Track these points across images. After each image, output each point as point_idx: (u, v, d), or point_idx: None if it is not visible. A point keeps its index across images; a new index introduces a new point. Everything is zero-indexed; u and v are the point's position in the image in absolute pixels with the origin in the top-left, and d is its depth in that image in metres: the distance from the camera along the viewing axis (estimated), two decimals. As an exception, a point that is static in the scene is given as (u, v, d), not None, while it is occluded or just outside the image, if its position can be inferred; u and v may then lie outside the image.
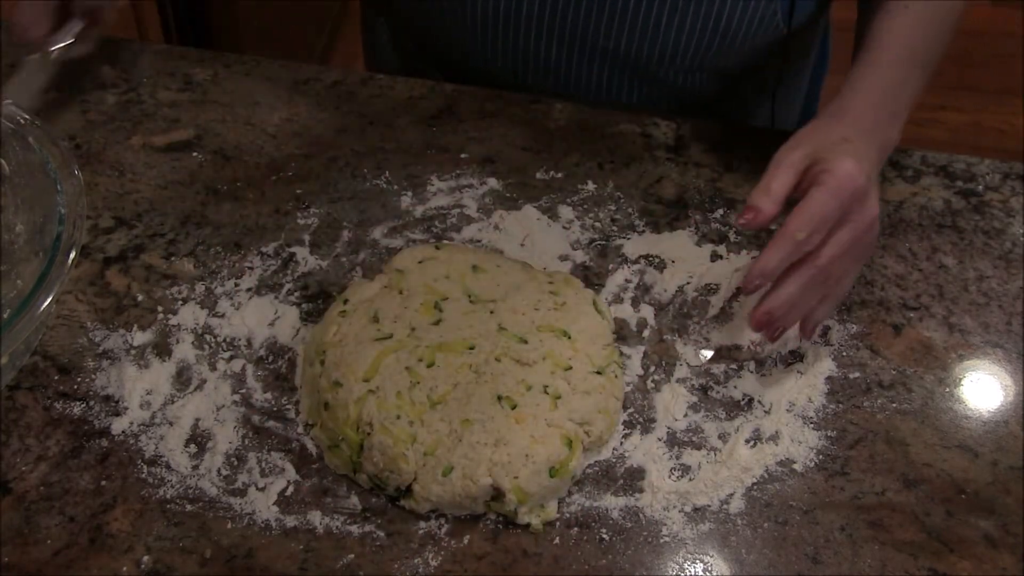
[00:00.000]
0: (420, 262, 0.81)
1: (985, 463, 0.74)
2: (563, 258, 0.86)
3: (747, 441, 0.74)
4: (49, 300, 0.68)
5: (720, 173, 0.92)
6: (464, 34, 0.98)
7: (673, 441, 0.75)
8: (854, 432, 0.75)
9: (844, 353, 0.80)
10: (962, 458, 0.74)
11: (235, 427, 0.75)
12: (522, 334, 0.75)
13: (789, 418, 0.76)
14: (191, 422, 0.75)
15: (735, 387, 0.78)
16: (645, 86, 1.01)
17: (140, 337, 0.80)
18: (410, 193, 0.90)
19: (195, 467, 0.73)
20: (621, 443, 0.75)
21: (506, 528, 0.70)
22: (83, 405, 0.76)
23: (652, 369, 0.79)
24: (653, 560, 0.69)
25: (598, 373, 0.75)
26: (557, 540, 0.70)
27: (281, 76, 1.01)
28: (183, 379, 0.78)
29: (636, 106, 1.01)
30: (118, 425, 0.75)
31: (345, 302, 0.79)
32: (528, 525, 0.70)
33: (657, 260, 0.86)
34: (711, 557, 0.69)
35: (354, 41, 1.27)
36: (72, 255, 0.70)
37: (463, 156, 0.93)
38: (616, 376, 0.76)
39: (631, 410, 0.77)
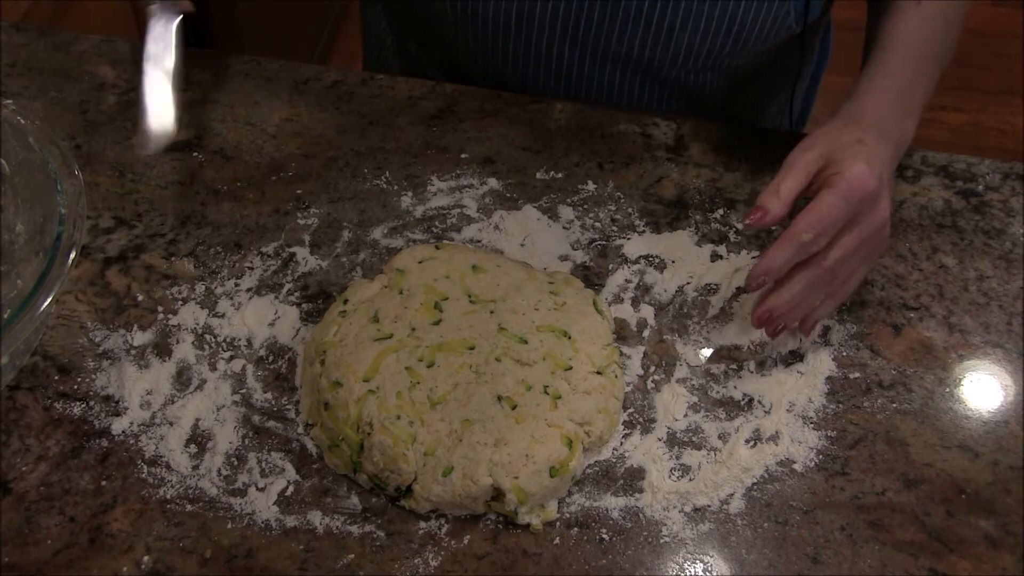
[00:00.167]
0: (420, 262, 0.81)
1: (985, 463, 0.74)
2: (563, 258, 0.86)
3: (747, 441, 0.74)
4: (49, 300, 0.68)
5: (720, 173, 0.92)
6: (474, 38, 0.98)
7: (673, 441, 0.75)
8: (854, 432, 0.75)
9: (844, 353, 0.80)
10: (962, 458, 0.74)
11: (235, 427, 0.75)
12: (522, 334, 0.75)
13: (789, 418, 0.76)
14: (191, 422, 0.75)
15: (735, 387, 0.78)
16: (656, 88, 1.00)
17: (140, 337, 0.80)
18: (410, 193, 0.90)
19: (195, 467, 0.73)
20: (621, 443, 0.75)
21: (506, 528, 0.70)
22: (83, 405, 0.76)
23: (652, 369, 0.79)
24: (653, 560, 0.69)
25: (598, 373, 0.75)
26: (557, 540, 0.70)
27: (281, 76, 1.01)
28: (183, 379, 0.78)
29: (645, 107, 1.01)
30: (118, 425, 0.75)
31: (345, 302, 0.79)
32: (528, 525, 0.70)
33: (657, 260, 0.86)
34: (711, 557, 0.69)
35: (354, 41, 1.27)
36: (72, 255, 0.70)
37: (463, 156, 0.93)
38: (616, 376, 0.76)
39: (631, 410, 0.77)
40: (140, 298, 0.82)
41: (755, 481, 0.73)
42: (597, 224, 0.88)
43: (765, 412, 0.76)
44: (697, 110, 1.03)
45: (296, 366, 0.79)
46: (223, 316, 0.81)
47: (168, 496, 0.71)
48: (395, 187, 0.91)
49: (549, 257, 0.86)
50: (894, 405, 0.77)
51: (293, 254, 0.86)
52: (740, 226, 0.88)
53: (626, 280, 0.85)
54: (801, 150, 0.75)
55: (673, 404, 0.77)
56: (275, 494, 0.72)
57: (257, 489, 0.72)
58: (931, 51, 0.83)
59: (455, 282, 0.79)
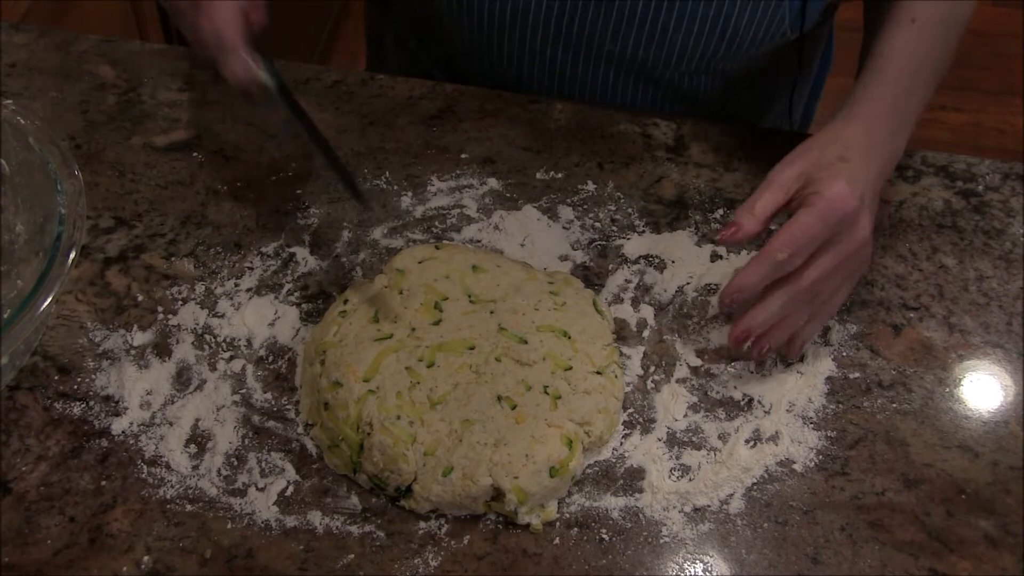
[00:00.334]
0: (420, 262, 0.81)
1: (985, 463, 0.74)
2: (563, 258, 0.86)
3: (747, 441, 0.74)
4: (49, 300, 0.68)
5: (720, 173, 0.92)
6: (470, 36, 0.98)
7: (673, 441, 0.75)
8: (854, 432, 0.75)
9: (844, 353, 0.80)
10: (962, 458, 0.74)
11: (235, 427, 0.75)
12: (522, 334, 0.75)
13: (789, 418, 0.76)
14: (191, 422, 0.75)
15: (735, 387, 0.78)
16: (650, 89, 1.01)
17: (140, 337, 0.80)
18: (410, 193, 0.90)
19: (195, 467, 0.73)
20: (621, 443, 0.75)
21: (506, 528, 0.70)
22: (83, 405, 0.76)
23: (652, 369, 0.79)
24: (653, 560, 0.69)
25: (598, 373, 0.75)
26: (557, 540, 0.70)
27: (281, 76, 1.01)
28: (183, 379, 0.78)
29: (640, 108, 1.01)
30: (118, 425, 0.75)
31: (345, 302, 0.79)
32: (528, 525, 0.70)
33: (657, 260, 0.86)
34: (711, 557, 0.69)
35: (354, 41, 1.27)
36: (72, 255, 0.70)
37: (463, 156, 0.93)
38: (616, 376, 0.76)
39: (631, 410, 0.77)
40: (140, 298, 0.82)
41: (755, 481, 0.73)
42: (597, 224, 0.88)
43: (765, 412, 0.76)
44: (692, 113, 1.03)
45: (296, 366, 0.79)
46: (223, 316, 0.81)
47: (168, 496, 0.71)
48: (395, 187, 0.91)
49: (549, 257, 0.86)
50: (894, 405, 0.77)
51: (293, 254, 0.86)
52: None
53: (626, 280, 0.85)
54: (782, 166, 0.74)
55: (673, 404, 0.77)
56: (275, 494, 0.72)
57: (257, 489, 0.72)
58: (925, 65, 0.81)
59: (455, 282, 0.79)
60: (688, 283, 0.84)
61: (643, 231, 0.88)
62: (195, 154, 0.93)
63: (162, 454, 0.73)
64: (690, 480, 0.73)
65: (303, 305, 0.83)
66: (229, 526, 0.70)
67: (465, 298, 0.78)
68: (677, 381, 0.78)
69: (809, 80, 1.12)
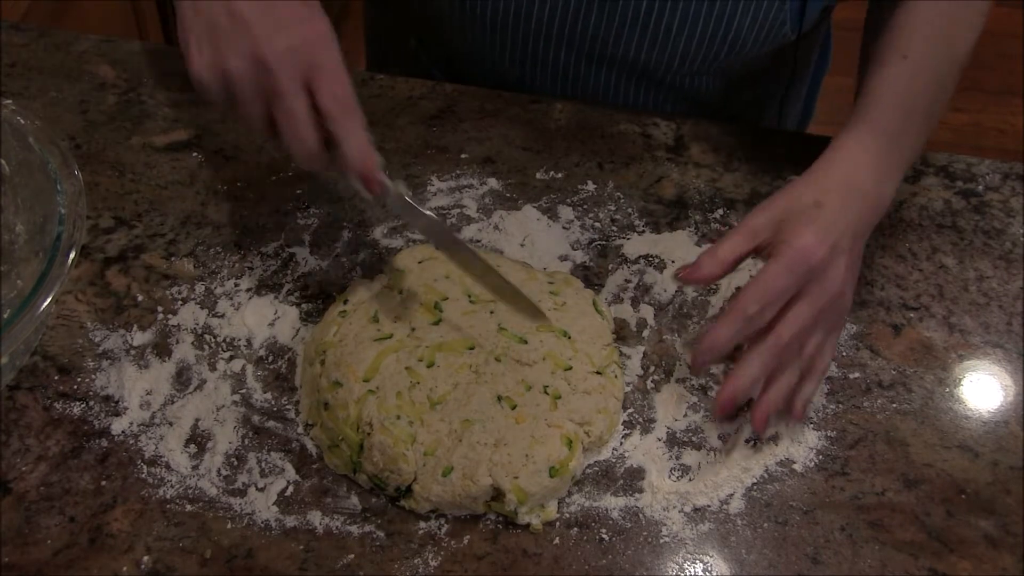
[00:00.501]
0: (420, 262, 0.81)
1: (985, 463, 0.74)
2: (563, 258, 0.86)
3: (747, 441, 0.74)
4: (49, 300, 0.68)
5: (720, 173, 0.92)
6: (472, 37, 0.98)
7: (673, 441, 0.75)
8: (854, 432, 0.75)
9: (844, 353, 0.80)
10: (962, 458, 0.74)
11: (235, 427, 0.75)
12: (522, 334, 0.75)
13: (789, 418, 0.76)
14: (191, 422, 0.75)
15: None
16: (652, 90, 1.01)
17: (140, 337, 0.80)
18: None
19: (195, 467, 0.73)
20: (621, 443, 0.75)
21: (506, 528, 0.70)
22: (83, 405, 0.76)
23: (652, 369, 0.79)
24: (653, 560, 0.69)
25: (598, 373, 0.75)
26: (557, 540, 0.70)
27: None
28: (183, 379, 0.78)
29: (640, 108, 1.01)
30: (118, 425, 0.75)
31: (345, 302, 0.79)
32: (528, 525, 0.70)
33: (657, 260, 0.86)
34: (711, 557, 0.69)
35: (354, 41, 1.27)
36: (72, 255, 0.70)
37: (463, 156, 0.93)
38: (616, 376, 0.76)
39: (631, 410, 0.77)
40: (140, 298, 0.82)
41: (755, 481, 0.73)
42: (597, 224, 0.88)
43: (765, 412, 0.76)
44: (693, 112, 1.03)
45: (296, 366, 0.79)
46: (223, 316, 0.81)
47: (168, 496, 0.71)
48: (395, 187, 0.91)
49: (549, 257, 0.86)
50: (894, 405, 0.77)
51: (293, 254, 0.86)
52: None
53: (626, 280, 0.85)
54: (754, 213, 0.73)
55: (673, 404, 0.77)
56: (275, 494, 0.72)
57: (257, 489, 0.72)
58: (916, 108, 0.77)
59: (455, 282, 0.79)
60: (688, 283, 0.84)
61: (643, 231, 0.88)
62: (195, 154, 0.93)
63: (162, 454, 0.73)
64: (690, 480, 0.73)
65: (303, 305, 0.83)
66: (229, 526, 0.70)
67: (465, 298, 0.78)
68: (677, 381, 0.78)
69: (806, 80, 1.12)
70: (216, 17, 0.67)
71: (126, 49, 1.03)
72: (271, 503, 0.71)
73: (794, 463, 0.74)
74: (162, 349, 0.79)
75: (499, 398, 0.72)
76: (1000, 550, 0.70)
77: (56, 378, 0.77)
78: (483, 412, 0.71)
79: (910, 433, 0.75)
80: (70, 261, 0.70)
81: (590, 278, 0.85)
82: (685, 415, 0.76)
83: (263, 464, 0.73)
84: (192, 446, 0.74)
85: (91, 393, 0.76)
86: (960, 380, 0.79)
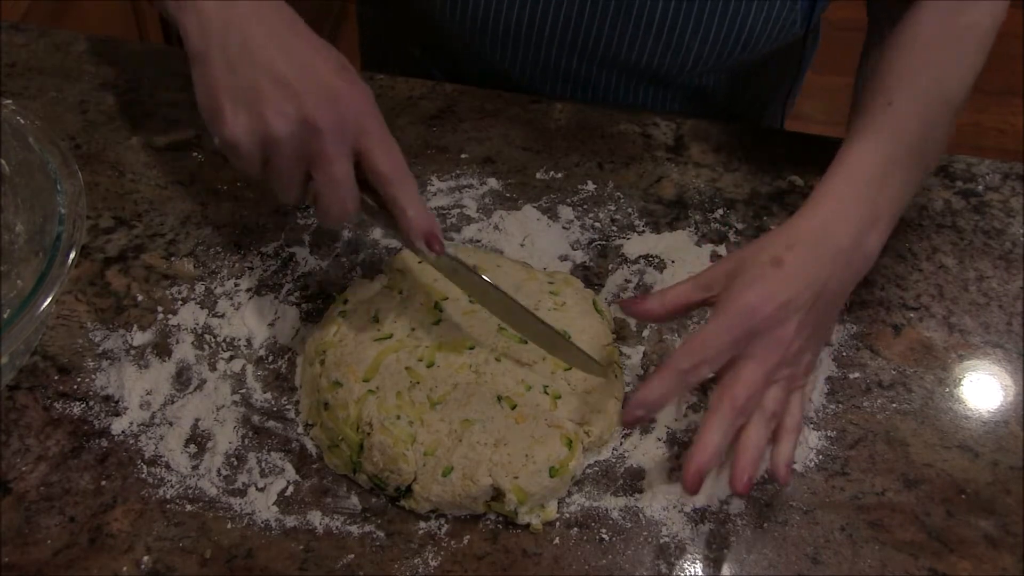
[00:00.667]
0: (420, 262, 0.81)
1: (985, 463, 0.74)
2: (563, 258, 0.86)
3: (747, 441, 0.74)
4: (49, 300, 0.68)
5: (720, 173, 0.92)
6: (481, 45, 0.98)
7: (673, 441, 0.75)
8: (854, 432, 0.75)
9: (844, 353, 0.80)
10: (962, 458, 0.74)
11: (235, 427, 0.75)
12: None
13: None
14: (191, 422, 0.75)
15: (735, 387, 0.78)
16: (659, 90, 1.01)
17: (140, 337, 0.80)
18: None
19: (195, 467, 0.73)
20: (621, 443, 0.75)
21: (506, 528, 0.70)
22: (83, 405, 0.76)
23: (652, 369, 0.79)
24: (653, 560, 0.69)
25: (598, 373, 0.75)
26: (557, 540, 0.70)
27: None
28: (183, 379, 0.78)
29: (643, 107, 1.01)
30: (118, 425, 0.75)
31: (345, 302, 0.79)
32: (528, 525, 0.70)
33: (657, 260, 0.86)
34: (711, 557, 0.69)
35: (354, 42, 1.27)
36: (72, 255, 0.70)
37: (463, 156, 0.93)
38: (616, 376, 0.76)
39: (631, 410, 0.77)
40: (140, 298, 0.82)
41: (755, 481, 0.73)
42: (597, 224, 0.88)
43: (765, 412, 0.76)
44: (698, 110, 1.03)
45: (296, 366, 0.79)
46: (223, 316, 0.81)
47: (168, 496, 0.71)
48: (395, 187, 0.91)
49: (549, 257, 0.86)
50: (894, 405, 0.77)
51: (293, 254, 0.86)
52: (740, 225, 0.88)
53: (626, 280, 0.85)
54: (714, 265, 0.71)
55: (673, 404, 0.77)
56: (275, 494, 0.72)
57: (257, 489, 0.72)
58: (901, 154, 0.73)
59: (455, 282, 0.79)
60: (688, 283, 0.84)
61: (643, 231, 0.88)
62: (195, 154, 0.93)
63: (162, 454, 0.73)
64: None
65: (303, 305, 0.83)
66: (229, 526, 0.70)
67: (465, 298, 0.78)
68: (677, 381, 0.78)
69: (804, 74, 1.12)
70: (256, 79, 0.65)
71: (126, 49, 1.03)
72: (271, 503, 0.71)
73: (794, 463, 0.74)
74: (162, 349, 0.79)
75: (499, 398, 0.72)
76: (1000, 550, 0.70)
77: (56, 378, 0.77)
78: (483, 412, 0.71)
79: (910, 433, 0.76)
80: (70, 261, 0.70)
81: (590, 278, 0.85)
82: (685, 415, 0.76)
83: (263, 464, 0.73)
84: (192, 446, 0.74)
85: (91, 393, 0.76)
86: (960, 380, 0.79)
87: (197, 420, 0.75)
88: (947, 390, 0.78)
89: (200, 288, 0.83)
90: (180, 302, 0.82)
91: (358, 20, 1.23)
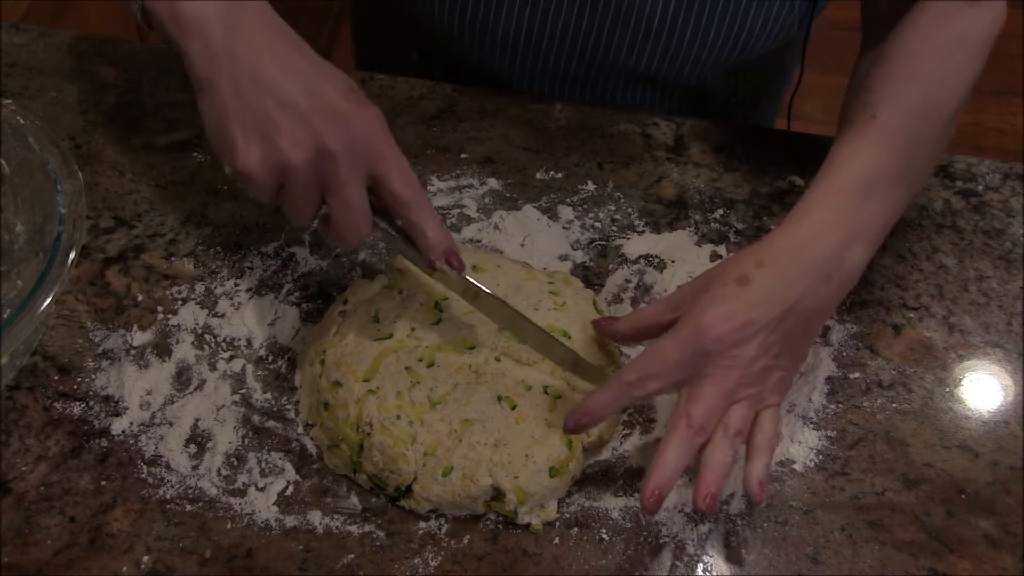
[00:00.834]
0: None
1: (985, 463, 0.74)
2: (563, 258, 0.86)
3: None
4: (49, 300, 0.68)
5: (720, 173, 0.92)
6: (480, 52, 0.98)
7: (673, 441, 0.75)
8: (854, 432, 0.75)
9: (844, 353, 0.80)
10: (962, 458, 0.74)
11: (235, 427, 0.75)
12: (522, 334, 0.75)
13: (789, 418, 0.76)
14: (191, 422, 0.75)
15: (735, 387, 0.78)
16: (658, 92, 1.01)
17: (140, 337, 0.80)
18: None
19: (195, 467, 0.73)
20: (621, 443, 0.75)
21: (506, 528, 0.70)
22: (83, 405, 0.76)
23: (652, 369, 0.79)
24: (653, 560, 0.69)
25: (598, 373, 0.75)
26: (557, 540, 0.70)
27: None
28: (183, 379, 0.78)
29: (642, 107, 1.01)
30: (118, 425, 0.75)
31: (345, 302, 0.79)
32: (528, 525, 0.70)
33: (657, 260, 0.86)
34: (711, 557, 0.69)
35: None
36: (72, 255, 0.70)
37: (463, 156, 0.93)
38: (616, 376, 0.76)
39: (631, 410, 0.77)
40: (140, 298, 0.82)
41: (755, 481, 0.73)
42: (597, 224, 0.88)
43: (765, 412, 0.76)
44: (696, 109, 1.03)
45: (296, 366, 0.79)
46: (223, 316, 0.81)
47: (168, 496, 0.71)
48: (395, 187, 0.91)
49: (549, 257, 0.86)
50: (894, 405, 0.77)
51: (293, 254, 0.86)
52: (740, 225, 0.88)
53: (626, 280, 0.85)
54: (684, 284, 0.71)
55: (673, 404, 0.76)
56: (275, 494, 0.72)
57: (257, 489, 0.72)
58: (886, 168, 0.71)
59: (455, 282, 0.79)
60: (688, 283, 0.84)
61: (643, 231, 0.88)
62: (195, 154, 0.93)
63: (162, 454, 0.73)
64: (690, 480, 0.72)
65: (303, 305, 0.83)
66: (229, 526, 0.70)
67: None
68: (677, 381, 0.78)
69: (803, 72, 1.12)
70: (265, 107, 0.64)
71: (126, 49, 1.03)
72: (271, 503, 0.71)
73: (794, 463, 0.74)
74: (162, 349, 0.79)
75: (499, 398, 0.72)
76: (1000, 550, 0.70)
77: (56, 378, 0.77)
78: (483, 412, 0.71)
79: (910, 433, 0.76)
80: (70, 261, 0.70)
81: (590, 278, 0.85)
82: (685, 415, 0.76)
83: (263, 464, 0.73)
84: (192, 446, 0.74)
85: (91, 393, 0.76)
86: (960, 380, 0.79)
87: (197, 420, 0.75)
88: (947, 390, 0.78)
89: (200, 288, 0.83)
90: (180, 302, 0.82)
91: (352, 25, 1.23)
